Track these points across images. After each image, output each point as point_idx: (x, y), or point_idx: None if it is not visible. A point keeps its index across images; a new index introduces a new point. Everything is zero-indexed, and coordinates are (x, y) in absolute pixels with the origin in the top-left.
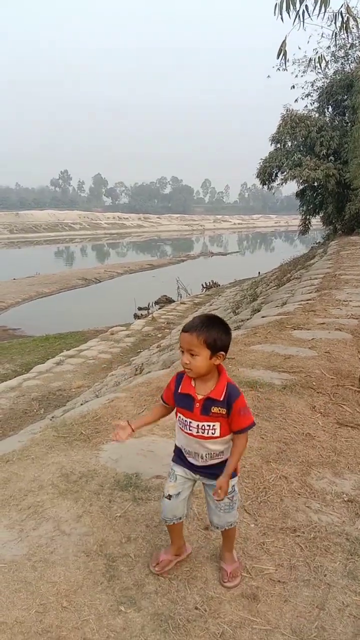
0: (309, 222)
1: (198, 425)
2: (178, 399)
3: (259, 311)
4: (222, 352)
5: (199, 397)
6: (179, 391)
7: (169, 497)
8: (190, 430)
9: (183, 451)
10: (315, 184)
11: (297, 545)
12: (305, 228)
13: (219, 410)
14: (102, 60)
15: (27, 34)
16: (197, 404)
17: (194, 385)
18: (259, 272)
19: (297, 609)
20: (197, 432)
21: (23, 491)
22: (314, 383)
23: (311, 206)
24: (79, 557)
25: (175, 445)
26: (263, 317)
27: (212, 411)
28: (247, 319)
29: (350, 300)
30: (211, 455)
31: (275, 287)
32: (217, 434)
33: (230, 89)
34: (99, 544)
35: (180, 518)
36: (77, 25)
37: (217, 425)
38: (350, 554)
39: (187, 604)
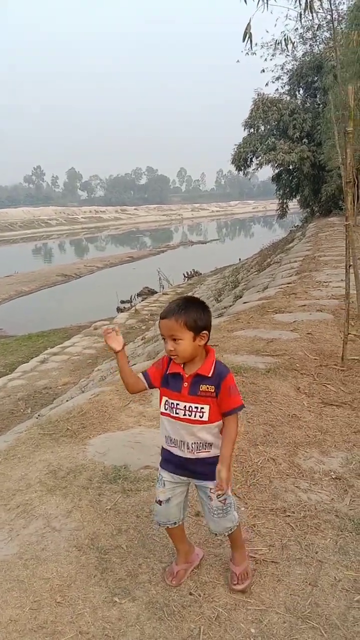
0: (287, 206)
1: (185, 407)
2: (166, 380)
3: (240, 297)
4: (205, 332)
5: (187, 374)
6: (169, 371)
7: (159, 502)
8: (177, 413)
9: (168, 442)
10: (291, 167)
11: (288, 525)
12: (282, 212)
13: (207, 388)
14: (71, 59)
15: None
16: (186, 382)
17: (182, 366)
18: (240, 259)
19: (290, 587)
20: (184, 414)
21: (11, 491)
22: (297, 365)
23: (287, 190)
24: (70, 552)
25: (162, 448)
26: (245, 302)
27: (201, 389)
28: (230, 306)
29: (330, 281)
30: (198, 445)
31: (256, 273)
32: (206, 417)
33: (200, 74)
34: (90, 537)
35: (175, 523)
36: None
37: (206, 408)
38: (340, 530)
39: (181, 590)
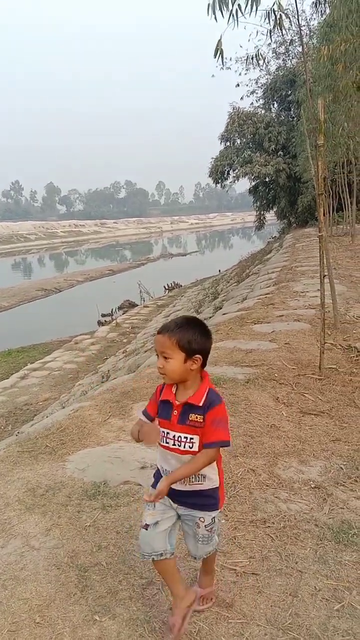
0: (264, 218)
1: (175, 436)
2: (159, 408)
3: (220, 308)
4: (199, 356)
5: (177, 402)
6: (160, 398)
7: (146, 526)
8: (167, 442)
9: (161, 470)
10: (267, 179)
11: (268, 536)
12: (260, 223)
13: (196, 417)
14: (49, 69)
15: None
16: (175, 410)
17: (174, 391)
18: (219, 270)
19: (271, 598)
20: (174, 444)
21: None
22: (276, 375)
23: (265, 201)
24: (50, 570)
25: (156, 468)
26: (224, 314)
27: (190, 419)
28: (210, 317)
29: (307, 291)
30: (190, 477)
31: (235, 284)
32: (195, 448)
33: (178, 90)
34: (70, 555)
35: (161, 554)
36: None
37: (196, 438)
38: (320, 539)
39: (161, 606)
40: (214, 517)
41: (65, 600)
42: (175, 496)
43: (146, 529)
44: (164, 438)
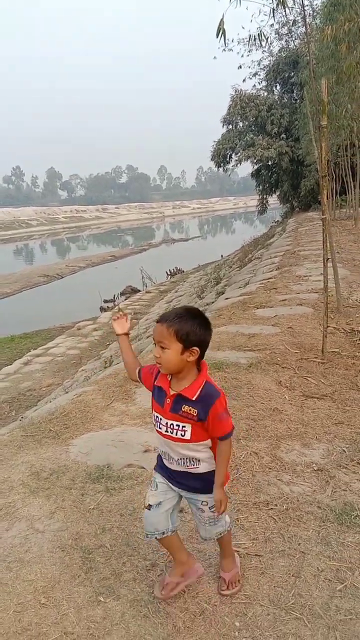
0: (267, 202)
1: (167, 424)
2: (154, 391)
3: (222, 293)
4: (196, 348)
5: (171, 392)
6: (155, 382)
7: (149, 507)
8: (160, 428)
9: (162, 455)
10: (270, 162)
11: (271, 518)
12: (263, 208)
13: (190, 410)
14: (53, 53)
15: None
16: (168, 399)
17: (169, 379)
18: (222, 255)
19: (274, 579)
20: (166, 430)
21: None
22: (278, 359)
23: (267, 185)
24: (54, 553)
25: (158, 452)
26: (227, 298)
27: (183, 410)
28: (212, 302)
29: (309, 275)
30: (185, 461)
31: (237, 269)
32: (188, 436)
33: (177, 73)
34: (74, 537)
35: (163, 532)
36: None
37: (188, 427)
38: (322, 521)
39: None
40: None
41: (69, 582)
42: (174, 477)
43: (149, 509)
44: (157, 423)
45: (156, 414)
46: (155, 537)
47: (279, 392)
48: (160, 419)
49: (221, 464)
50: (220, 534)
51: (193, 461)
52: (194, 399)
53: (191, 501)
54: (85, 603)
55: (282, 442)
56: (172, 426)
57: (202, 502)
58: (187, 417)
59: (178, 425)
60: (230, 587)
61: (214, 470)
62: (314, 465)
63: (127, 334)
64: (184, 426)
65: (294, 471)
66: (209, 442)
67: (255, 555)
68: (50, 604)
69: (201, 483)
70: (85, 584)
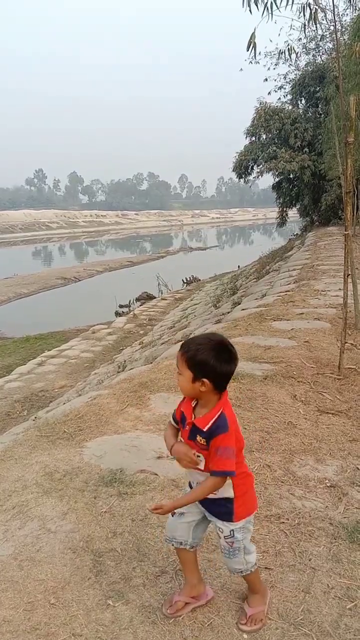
0: (286, 214)
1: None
2: (181, 415)
3: (239, 304)
4: (207, 380)
5: (192, 419)
6: (181, 407)
7: (173, 513)
8: None
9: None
10: (291, 176)
11: (282, 531)
12: (282, 220)
13: (201, 440)
14: (77, 59)
15: None
16: (187, 426)
17: (193, 405)
18: (239, 266)
19: (284, 593)
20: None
21: (7, 492)
22: (294, 372)
23: (288, 198)
24: (65, 554)
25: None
26: (243, 309)
27: (197, 439)
28: (228, 312)
29: (328, 290)
30: (199, 482)
31: (254, 280)
32: (201, 466)
33: (201, 80)
34: (85, 540)
35: (181, 543)
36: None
37: (202, 457)
38: (334, 538)
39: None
40: (232, 530)
41: (79, 584)
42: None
43: (172, 516)
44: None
45: (180, 437)
46: (173, 545)
47: (294, 405)
48: (182, 441)
49: (198, 490)
50: (241, 572)
51: None
52: (204, 429)
53: (214, 524)
54: (95, 606)
55: (295, 457)
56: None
57: (219, 528)
58: (200, 447)
59: (194, 453)
60: (250, 624)
61: (229, 498)
62: (327, 481)
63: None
64: (199, 455)
65: (307, 486)
66: None
67: (265, 568)
68: (60, 604)
69: (216, 507)
70: (95, 586)
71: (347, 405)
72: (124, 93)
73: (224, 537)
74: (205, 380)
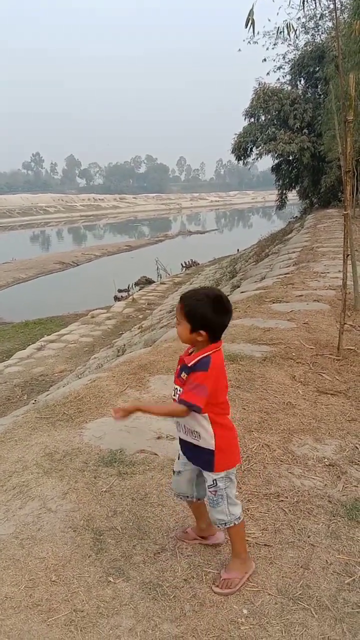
0: (286, 197)
1: (174, 388)
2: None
3: (238, 287)
4: (203, 331)
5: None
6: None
7: (174, 472)
8: (174, 395)
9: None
10: (290, 157)
11: (281, 509)
12: (281, 203)
13: (184, 376)
14: (75, 44)
15: None
16: (178, 365)
17: (190, 351)
18: (238, 249)
19: (283, 569)
20: (174, 394)
21: (7, 472)
22: (293, 354)
23: (287, 180)
24: (66, 532)
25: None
26: (242, 292)
27: (181, 376)
28: (227, 295)
29: (327, 272)
30: (186, 430)
31: (254, 263)
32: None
33: (200, 61)
34: (86, 519)
35: (188, 497)
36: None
37: (181, 390)
38: (333, 515)
39: (175, 572)
40: (215, 480)
41: (80, 561)
42: (184, 448)
43: (174, 474)
44: (174, 390)
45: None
46: (180, 497)
47: (293, 386)
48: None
49: (160, 406)
50: (224, 523)
51: (193, 433)
52: (189, 365)
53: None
54: (95, 582)
55: (294, 436)
56: (175, 390)
57: (205, 478)
58: (182, 382)
59: (176, 389)
60: (222, 587)
61: (210, 450)
62: (325, 460)
63: (139, 409)
64: (180, 390)
65: (306, 465)
66: (206, 415)
67: (265, 545)
68: (61, 581)
69: (200, 455)
70: (95, 564)
71: (346, 385)
72: (124, 84)
73: (208, 486)
74: (202, 331)
